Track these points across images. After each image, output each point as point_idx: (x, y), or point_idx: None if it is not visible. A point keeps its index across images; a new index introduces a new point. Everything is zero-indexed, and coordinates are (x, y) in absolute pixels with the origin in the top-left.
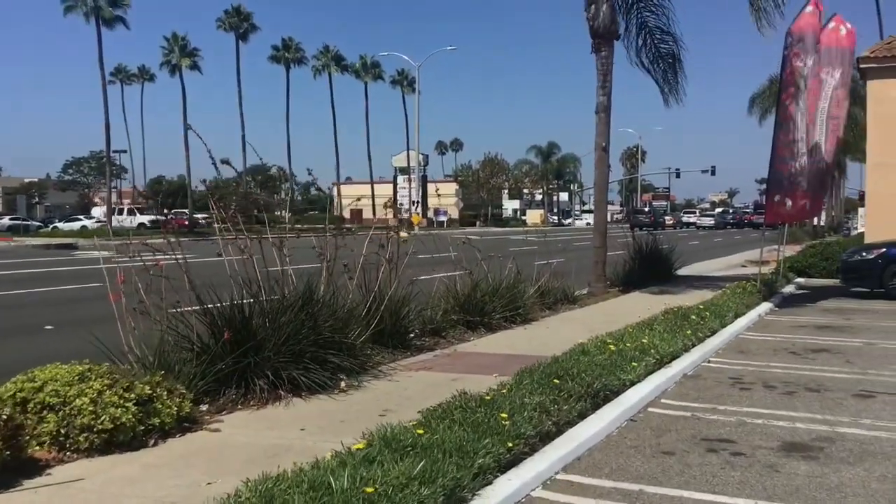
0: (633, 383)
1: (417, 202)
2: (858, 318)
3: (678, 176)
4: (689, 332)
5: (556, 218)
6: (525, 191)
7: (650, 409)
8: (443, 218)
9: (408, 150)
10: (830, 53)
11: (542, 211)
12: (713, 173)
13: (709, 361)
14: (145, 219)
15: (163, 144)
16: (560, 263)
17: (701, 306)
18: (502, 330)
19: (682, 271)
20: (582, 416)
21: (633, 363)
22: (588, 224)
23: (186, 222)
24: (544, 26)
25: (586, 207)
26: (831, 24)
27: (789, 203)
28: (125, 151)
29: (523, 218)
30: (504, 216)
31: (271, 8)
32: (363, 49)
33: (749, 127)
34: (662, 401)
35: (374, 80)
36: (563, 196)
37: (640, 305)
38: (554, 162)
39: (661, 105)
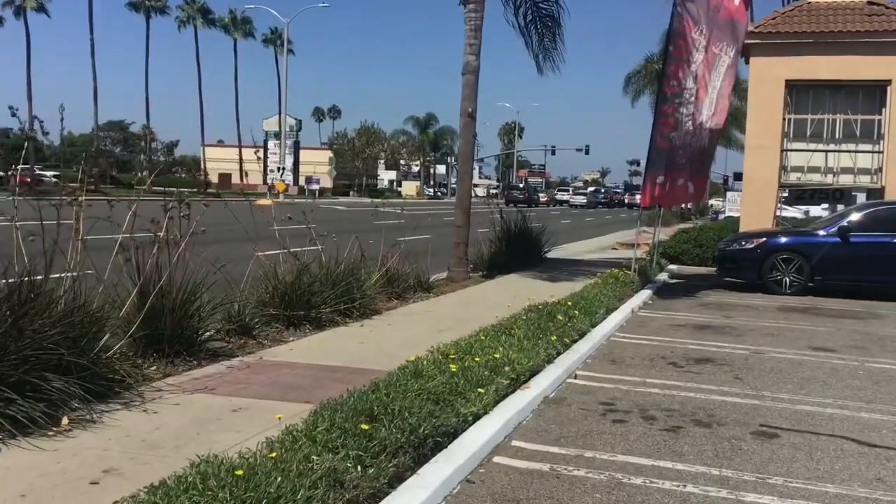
0: (476, 418)
1: (283, 168)
2: (739, 315)
3: (553, 153)
4: (554, 337)
5: (431, 191)
6: (402, 162)
7: (496, 460)
8: (315, 186)
9: (280, 113)
10: (724, 26)
11: (418, 183)
12: (587, 152)
13: (575, 377)
14: None
15: (13, 95)
16: (425, 241)
17: (569, 302)
18: (333, 327)
19: (553, 253)
20: (398, 479)
21: (480, 388)
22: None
23: (28, 180)
24: None
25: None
26: None
27: (671, 185)
28: None
29: (399, 189)
30: (379, 187)
31: None
32: (233, 3)
33: (623, 107)
34: (514, 443)
35: (245, 37)
36: (441, 169)
37: (503, 296)
38: (431, 134)
39: (541, 81)
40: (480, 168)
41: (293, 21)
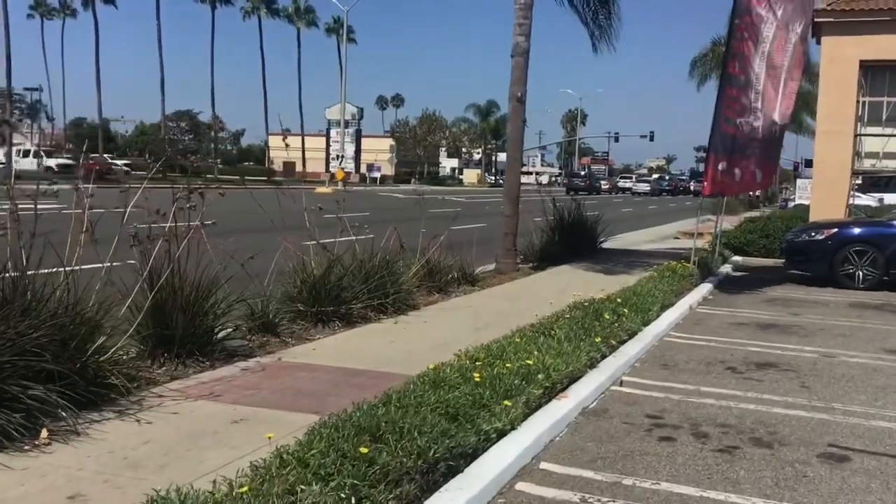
0: (501, 435)
1: (342, 156)
2: (808, 312)
3: (617, 140)
4: (598, 338)
5: (493, 178)
6: (463, 150)
7: (519, 487)
8: (376, 174)
9: (342, 102)
10: (794, 4)
11: (479, 171)
12: (651, 139)
13: (621, 384)
14: (53, 162)
15: (86, 85)
16: (480, 229)
17: (620, 298)
18: (364, 324)
19: (610, 243)
20: None
21: (507, 400)
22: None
23: (99, 167)
24: None
25: (525, 169)
26: None
27: (738, 172)
28: (38, 89)
29: (460, 177)
30: (441, 175)
31: None
32: None
33: (689, 93)
34: (542, 465)
35: (308, 26)
36: (503, 156)
37: (551, 289)
38: (492, 121)
39: (605, 67)
40: (543, 156)
41: (354, 10)
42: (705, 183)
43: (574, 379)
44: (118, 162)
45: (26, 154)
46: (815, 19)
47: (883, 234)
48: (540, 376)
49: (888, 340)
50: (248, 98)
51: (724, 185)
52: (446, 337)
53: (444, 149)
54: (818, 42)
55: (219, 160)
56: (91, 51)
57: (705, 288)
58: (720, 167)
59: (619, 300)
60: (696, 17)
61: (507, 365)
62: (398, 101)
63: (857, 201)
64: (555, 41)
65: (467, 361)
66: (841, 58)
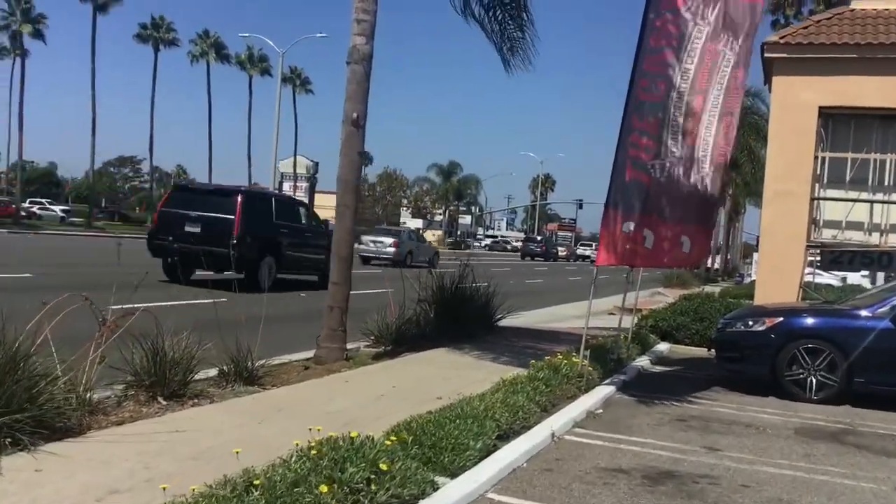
0: None
1: None
2: (731, 446)
3: (581, 207)
4: None
5: (451, 239)
6: (423, 209)
7: None
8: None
9: (294, 155)
10: (731, 12)
11: (439, 232)
12: None
13: None
14: None
15: (38, 127)
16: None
17: (425, 423)
18: None
19: (517, 320)
20: None
21: None
22: (487, 245)
23: (13, 210)
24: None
25: (490, 233)
26: None
27: (650, 237)
28: None
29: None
30: None
31: None
32: (241, 41)
33: None
34: None
35: (262, 74)
36: (467, 219)
37: (367, 393)
38: (455, 182)
39: (574, 134)
40: (513, 220)
41: (315, 62)
42: (600, 249)
43: None
44: (55, 208)
45: None
46: (765, 54)
47: (845, 328)
48: None
49: None
50: (191, 145)
51: (628, 254)
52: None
53: (406, 208)
54: (767, 83)
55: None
56: (39, 91)
57: (599, 394)
58: (624, 228)
59: (420, 427)
60: None
61: None
62: (365, 159)
63: (816, 279)
64: (522, 101)
65: None
66: (795, 103)
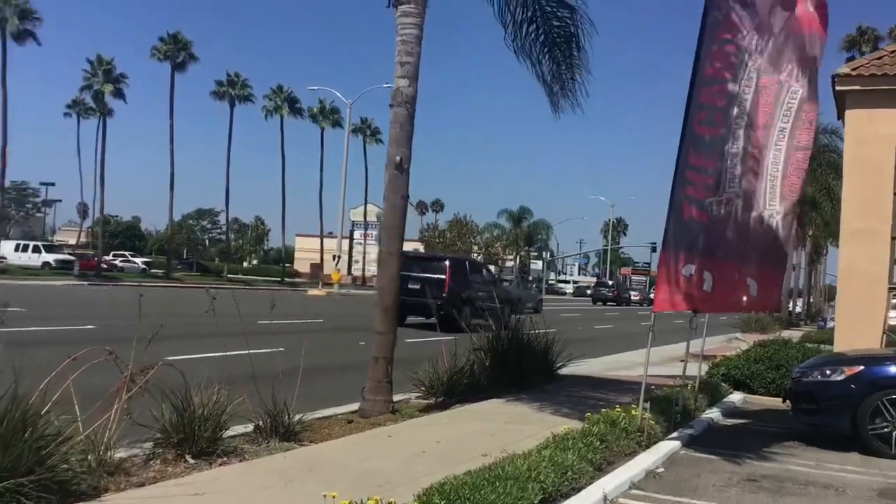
0: None
1: (339, 257)
2: None
3: (654, 251)
4: None
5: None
6: (494, 255)
7: None
8: None
9: (365, 203)
10: (788, 40)
11: (512, 277)
12: None
13: None
14: (51, 257)
15: (118, 182)
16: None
17: (466, 486)
18: None
19: (580, 367)
20: None
21: None
22: (566, 291)
23: (95, 263)
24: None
25: (562, 278)
26: None
27: (710, 280)
28: (53, 184)
29: None
30: None
31: (215, 43)
32: (313, 95)
33: None
34: None
35: (333, 126)
36: (538, 264)
37: (405, 451)
38: (525, 228)
39: (645, 176)
40: (586, 265)
41: (386, 111)
42: (657, 293)
43: None
44: (137, 260)
45: (24, 248)
46: (836, 87)
47: None
48: None
49: None
50: (266, 196)
51: (689, 298)
52: None
53: (476, 254)
54: (840, 117)
55: (254, 259)
56: (126, 148)
57: (661, 451)
58: (684, 271)
59: (455, 490)
60: None
61: None
62: (438, 206)
63: None
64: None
65: None
66: (871, 137)
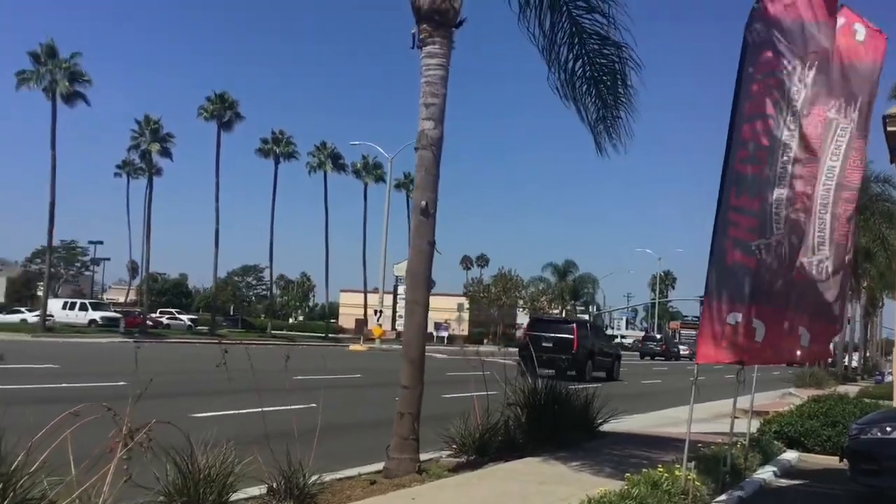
0: None
1: (380, 311)
2: None
3: (702, 304)
4: None
5: None
6: (540, 309)
7: None
8: (443, 333)
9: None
10: (844, 74)
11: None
12: None
13: None
14: (97, 315)
15: (165, 240)
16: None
17: None
18: None
19: (626, 423)
20: None
21: None
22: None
23: (140, 320)
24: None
25: (610, 333)
26: (839, 22)
27: (760, 329)
28: (101, 242)
29: None
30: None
31: (259, 102)
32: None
33: None
34: None
35: (377, 181)
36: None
37: None
38: (570, 281)
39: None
40: (633, 318)
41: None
42: (699, 343)
43: None
44: (183, 317)
45: (72, 307)
46: (888, 128)
47: None
48: None
49: None
50: (311, 252)
51: (736, 349)
52: None
53: (522, 309)
54: (893, 161)
55: (300, 315)
56: (169, 207)
57: None
58: (730, 319)
59: None
60: None
61: None
62: (483, 261)
63: None
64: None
65: None
66: None
